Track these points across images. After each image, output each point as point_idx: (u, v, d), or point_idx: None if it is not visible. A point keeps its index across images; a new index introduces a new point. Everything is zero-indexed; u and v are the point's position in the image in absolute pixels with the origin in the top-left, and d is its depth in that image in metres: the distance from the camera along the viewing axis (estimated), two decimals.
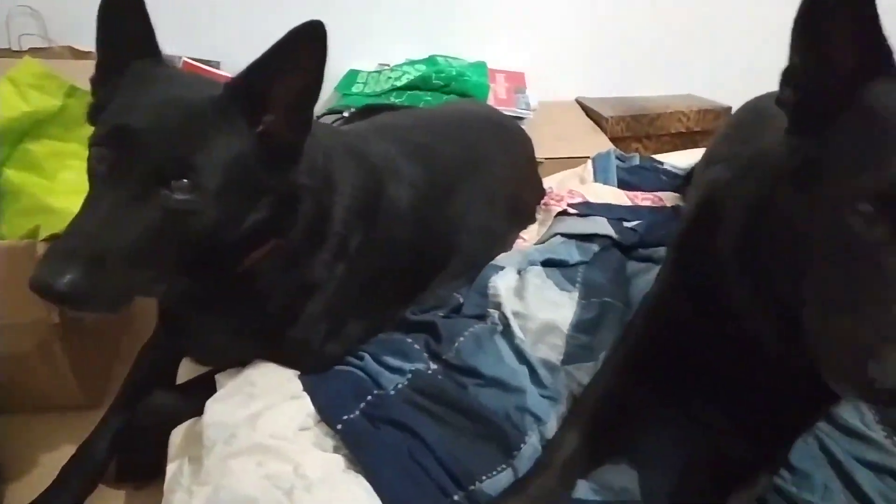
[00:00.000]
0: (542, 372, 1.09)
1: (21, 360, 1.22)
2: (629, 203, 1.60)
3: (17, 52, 2.13)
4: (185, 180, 0.82)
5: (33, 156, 1.27)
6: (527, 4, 2.54)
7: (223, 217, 0.87)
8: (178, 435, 1.04)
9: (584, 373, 1.10)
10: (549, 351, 1.14)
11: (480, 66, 2.27)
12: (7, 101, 1.21)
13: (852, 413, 1.07)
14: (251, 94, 0.88)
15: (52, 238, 1.09)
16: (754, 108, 1.42)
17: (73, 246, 0.78)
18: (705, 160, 1.46)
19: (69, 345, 1.24)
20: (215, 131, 0.86)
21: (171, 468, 0.97)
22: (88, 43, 2.18)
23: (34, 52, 2.13)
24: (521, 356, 1.12)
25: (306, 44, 0.84)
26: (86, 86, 1.29)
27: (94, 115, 0.93)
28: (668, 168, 1.81)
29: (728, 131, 1.45)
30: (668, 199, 1.66)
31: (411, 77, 2.10)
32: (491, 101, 2.13)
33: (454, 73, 2.12)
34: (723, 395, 0.97)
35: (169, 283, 0.89)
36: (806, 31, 0.73)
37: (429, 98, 2.10)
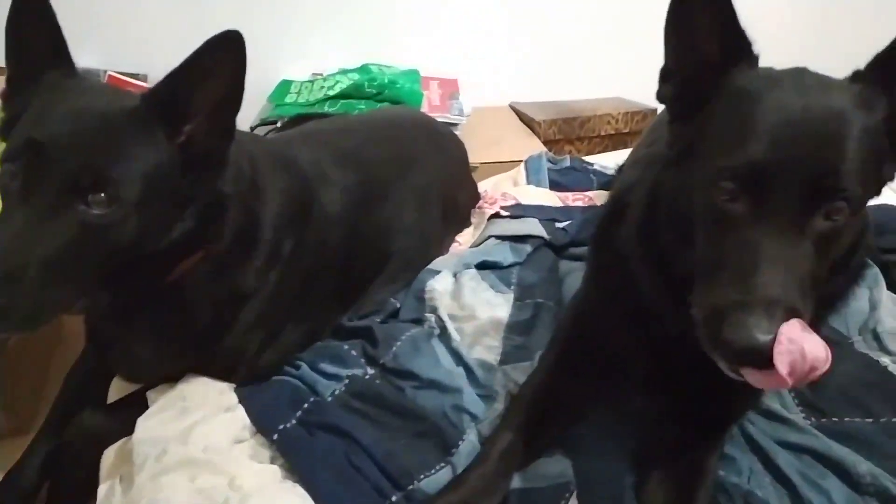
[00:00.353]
0: (479, 372, 1.11)
1: None
2: (560, 204, 1.64)
3: None
4: (101, 194, 0.81)
5: None
6: (459, 13, 2.58)
7: (145, 229, 0.86)
8: (109, 455, 1.02)
9: (520, 372, 1.12)
10: (485, 352, 1.16)
11: (413, 74, 2.29)
12: None
13: (773, 398, 1.12)
14: (170, 105, 0.87)
15: None
16: (662, 117, 1.48)
17: None
18: (625, 165, 1.52)
19: None
20: (132, 142, 0.85)
21: (102, 489, 0.95)
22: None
23: None
24: (458, 358, 1.13)
25: (223, 53, 0.84)
26: None
27: (5, 131, 0.91)
28: (598, 168, 1.86)
29: (644, 136, 1.52)
30: (599, 198, 1.71)
31: (344, 86, 2.10)
32: (425, 108, 2.16)
33: (387, 80, 2.13)
34: (653, 386, 1.00)
35: (91, 297, 0.87)
36: (675, 28, 0.81)
37: (362, 106, 2.11)
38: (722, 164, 0.73)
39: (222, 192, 0.97)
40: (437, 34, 2.61)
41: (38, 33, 0.89)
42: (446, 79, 2.43)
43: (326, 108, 2.07)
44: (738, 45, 0.80)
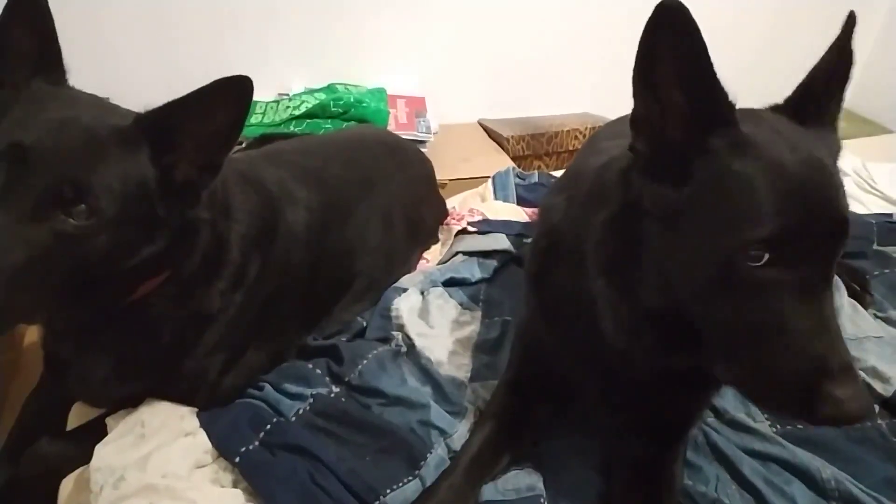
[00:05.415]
0: (449, 389, 1.10)
1: None
2: (527, 219, 1.65)
3: None
4: (82, 205, 0.80)
5: None
6: (425, 31, 2.59)
7: (116, 246, 0.85)
8: (68, 484, 0.99)
9: (488, 390, 1.12)
10: (455, 370, 1.16)
11: (379, 92, 2.29)
12: None
13: (738, 407, 1.13)
14: (161, 130, 0.87)
15: None
16: (590, 138, 1.51)
17: None
18: (549, 190, 1.45)
19: None
20: (117, 159, 0.84)
21: None
22: None
23: None
24: (427, 376, 1.13)
25: (229, 95, 0.84)
26: None
27: None
28: None
29: (573, 160, 1.51)
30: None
31: (310, 105, 2.10)
32: (391, 126, 2.16)
33: (352, 99, 2.13)
34: (606, 404, 1.00)
35: (53, 311, 0.85)
36: (641, 81, 0.74)
37: (328, 126, 2.10)
38: (746, 237, 0.69)
39: (196, 217, 0.96)
40: (403, 53, 2.61)
41: (29, 36, 0.88)
42: (413, 97, 2.44)
43: (292, 128, 2.06)
44: (713, 100, 0.73)
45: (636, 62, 0.73)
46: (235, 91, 0.85)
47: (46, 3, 0.89)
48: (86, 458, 0.99)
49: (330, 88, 2.27)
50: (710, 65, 0.71)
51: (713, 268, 0.73)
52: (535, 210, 1.70)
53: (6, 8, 0.88)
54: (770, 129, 0.75)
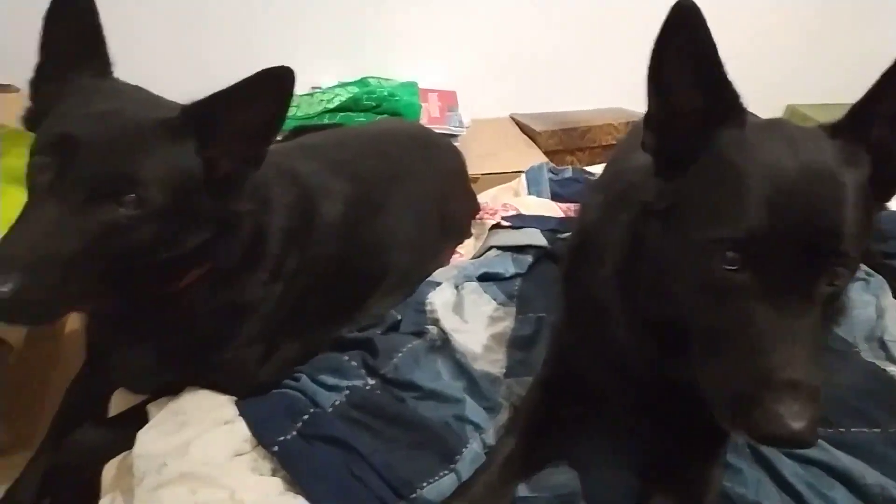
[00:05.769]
0: (484, 384, 1.10)
1: None
2: (562, 215, 1.64)
3: None
4: (132, 195, 0.82)
5: None
6: (457, 25, 2.58)
7: (162, 236, 0.87)
8: (110, 470, 1.01)
9: (522, 387, 1.12)
10: (489, 365, 1.16)
11: (411, 86, 2.29)
12: None
13: None
14: (206, 122, 0.88)
15: None
16: (630, 131, 1.48)
17: (13, 255, 0.75)
18: (590, 185, 1.49)
19: None
20: (165, 151, 0.86)
21: (102, 503, 0.94)
22: (7, 76, 2.13)
23: None
24: (461, 371, 1.13)
25: (270, 86, 0.85)
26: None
27: (32, 121, 0.91)
28: None
29: (611, 156, 1.50)
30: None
31: (343, 99, 2.11)
32: (423, 120, 2.16)
33: (385, 93, 2.14)
34: (640, 411, 0.99)
35: (99, 298, 0.86)
36: (654, 78, 0.75)
37: (361, 119, 2.11)
38: (722, 234, 0.69)
39: (239, 209, 0.97)
40: (436, 47, 2.61)
41: (77, 30, 0.90)
42: (445, 91, 2.44)
43: (326, 121, 2.07)
44: (723, 99, 0.75)
45: (651, 60, 0.75)
46: (278, 82, 0.86)
47: None
48: (127, 444, 1.01)
49: (362, 82, 2.28)
50: (721, 64, 0.72)
51: (692, 268, 0.72)
52: (569, 206, 1.70)
53: (53, 2, 0.90)
54: (782, 134, 0.74)
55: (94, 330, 1.12)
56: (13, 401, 1.27)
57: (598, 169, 1.94)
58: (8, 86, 2.11)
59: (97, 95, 0.88)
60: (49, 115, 0.87)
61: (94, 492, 1.09)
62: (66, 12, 0.89)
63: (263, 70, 0.84)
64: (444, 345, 1.18)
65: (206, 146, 0.89)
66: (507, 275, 1.37)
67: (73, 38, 0.90)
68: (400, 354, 1.14)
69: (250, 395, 1.08)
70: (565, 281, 1.05)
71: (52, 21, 0.89)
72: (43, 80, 0.92)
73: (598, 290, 0.91)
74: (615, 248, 0.88)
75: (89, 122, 0.83)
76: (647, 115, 0.79)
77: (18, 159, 1.26)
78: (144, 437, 0.95)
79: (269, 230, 1.06)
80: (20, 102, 1.84)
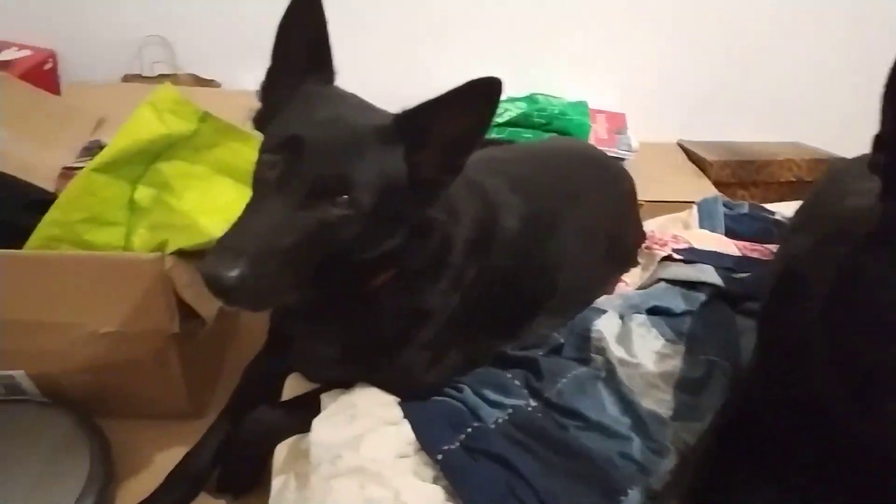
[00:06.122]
0: (651, 425, 1.06)
1: (139, 367, 1.28)
2: (738, 253, 1.55)
3: (148, 77, 2.31)
4: (345, 196, 0.86)
5: (164, 175, 1.35)
6: (627, 45, 2.54)
7: (365, 237, 0.91)
8: (282, 451, 1.07)
9: (690, 433, 1.06)
10: (656, 405, 1.11)
11: (581, 106, 2.28)
12: (147, 124, 1.29)
13: None
14: (415, 130, 0.92)
15: (179, 253, 1.16)
16: (834, 174, 1.37)
17: (241, 244, 0.81)
18: (788, 229, 1.40)
19: (183, 355, 1.30)
20: (378, 156, 0.90)
21: (277, 482, 1.00)
22: (210, 72, 2.35)
23: (162, 77, 2.30)
24: (627, 406, 1.10)
25: (479, 96, 0.86)
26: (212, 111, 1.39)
27: (260, 122, 1.00)
28: (780, 218, 1.73)
29: (809, 199, 1.40)
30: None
31: (513, 114, 2.13)
32: (591, 142, 2.13)
33: (556, 111, 2.14)
34: (832, 482, 0.90)
35: (303, 291, 0.91)
36: (891, 96, 0.72)
37: (529, 135, 2.12)
38: None
39: (432, 217, 1.01)
40: (604, 67, 2.58)
41: (307, 37, 0.96)
42: (613, 112, 2.40)
43: (493, 135, 2.10)
44: None
45: (889, 77, 0.71)
46: (486, 92, 0.86)
47: (322, 7, 0.96)
48: (299, 428, 1.07)
49: (531, 98, 2.29)
50: None
51: None
52: (746, 244, 1.60)
53: (287, 12, 0.96)
54: None
55: (280, 317, 1.19)
56: (196, 372, 1.38)
57: (778, 207, 1.83)
58: (211, 81, 2.33)
59: (321, 101, 0.95)
60: (277, 117, 0.94)
61: (264, 467, 1.17)
62: (299, 22, 0.96)
63: (473, 80, 0.85)
64: (609, 376, 1.15)
65: (414, 153, 0.93)
66: (678, 311, 1.32)
67: (303, 46, 0.97)
68: (564, 380, 1.12)
69: (413, 398, 1.11)
70: (763, 322, 0.99)
71: (286, 29, 0.96)
72: (273, 85, 0.99)
73: (802, 332, 0.84)
74: (826, 285, 0.81)
75: (315, 126, 0.89)
76: (879, 135, 0.76)
77: (229, 153, 1.38)
78: (320, 427, 1.00)
79: (454, 240, 1.08)
80: (222, 97, 2.02)
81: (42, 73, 2.17)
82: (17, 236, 1.26)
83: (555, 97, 2.38)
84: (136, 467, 1.27)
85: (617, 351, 1.20)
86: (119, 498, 1.20)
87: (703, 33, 2.54)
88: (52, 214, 1.23)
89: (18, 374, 1.28)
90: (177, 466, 1.19)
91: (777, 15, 2.50)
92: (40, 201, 1.37)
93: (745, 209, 1.76)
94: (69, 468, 1.15)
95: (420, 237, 1.01)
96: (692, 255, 1.47)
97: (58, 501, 1.08)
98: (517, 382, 1.14)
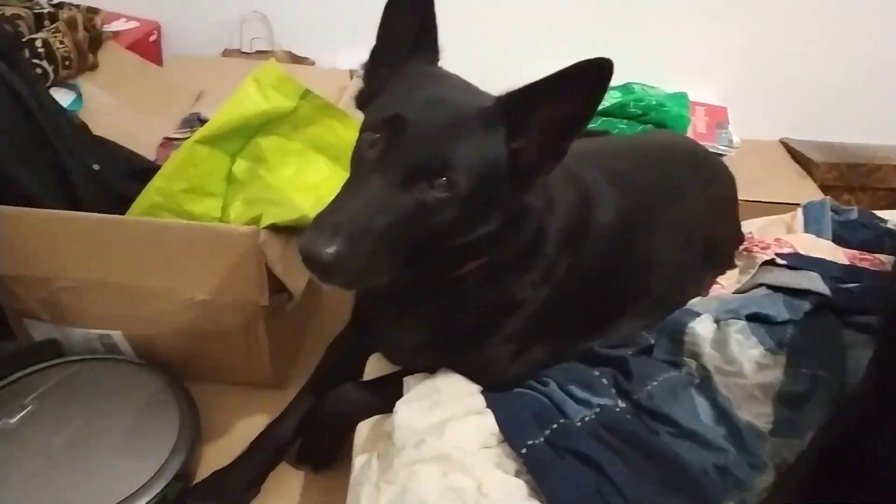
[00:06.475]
0: (749, 437, 1.00)
1: (227, 336, 1.32)
2: (846, 261, 1.45)
3: (246, 53, 2.36)
4: (444, 178, 0.85)
5: (261, 150, 1.37)
6: (731, 37, 2.41)
7: (460, 221, 0.89)
8: (363, 430, 1.08)
9: (788, 449, 1.00)
10: (754, 417, 1.05)
11: (681, 97, 2.18)
12: (249, 98, 1.31)
13: None
14: (518, 113, 0.89)
15: (271, 227, 1.18)
16: None
17: (339, 221, 0.81)
18: None
19: (270, 327, 1.33)
20: (479, 138, 0.88)
21: (359, 461, 1.00)
22: (306, 50, 2.38)
23: (259, 54, 2.35)
24: (722, 415, 1.04)
25: (589, 78, 0.82)
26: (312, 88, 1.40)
27: (363, 101, 0.98)
28: (892, 227, 1.61)
29: None
30: (892, 263, 1.48)
31: (607, 104, 2.06)
32: (689, 135, 2.04)
33: (653, 102, 2.06)
34: None
35: (393, 274, 0.90)
36: None
37: (623, 126, 2.05)
38: None
39: (529, 204, 0.98)
40: (705, 58, 2.47)
41: (414, 18, 0.95)
42: (714, 106, 2.29)
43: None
44: None
45: None
46: (596, 73, 0.81)
47: None
48: (382, 408, 1.07)
49: (627, 88, 2.21)
50: None
51: None
52: (855, 253, 1.50)
53: None
54: None
55: (365, 298, 1.20)
56: (280, 343, 1.41)
57: (889, 215, 1.71)
58: (305, 58, 2.36)
59: (425, 81, 0.93)
60: (380, 96, 0.93)
61: (343, 444, 1.19)
62: (407, 1, 0.94)
63: (583, 61, 0.80)
64: (703, 383, 1.10)
65: (515, 137, 0.90)
66: (779, 319, 1.24)
67: (409, 26, 0.95)
68: (655, 383, 1.08)
69: (495, 389, 1.09)
70: (884, 339, 0.92)
71: (393, 8, 0.94)
72: (377, 65, 0.98)
73: None
74: None
75: (417, 105, 0.87)
76: None
77: (325, 131, 1.39)
78: (404, 410, 1.00)
79: (548, 231, 1.05)
80: (316, 75, 2.04)
81: (147, 45, 2.25)
82: (121, 203, 1.31)
83: (651, 87, 2.29)
84: (219, 430, 1.31)
85: (712, 357, 1.14)
86: (206, 458, 1.24)
87: (813, 22, 2.38)
88: (156, 183, 1.27)
89: (116, 335, 1.34)
90: (260, 435, 1.22)
91: None
92: (144, 169, 1.43)
93: (855, 215, 1.64)
94: (160, 426, 1.20)
95: (515, 225, 0.98)
96: (797, 261, 1.38)
97: (149, 457, 1.12)
98: (605, 381, 1.10)
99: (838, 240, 1.56)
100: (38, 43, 1.54)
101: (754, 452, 0.98)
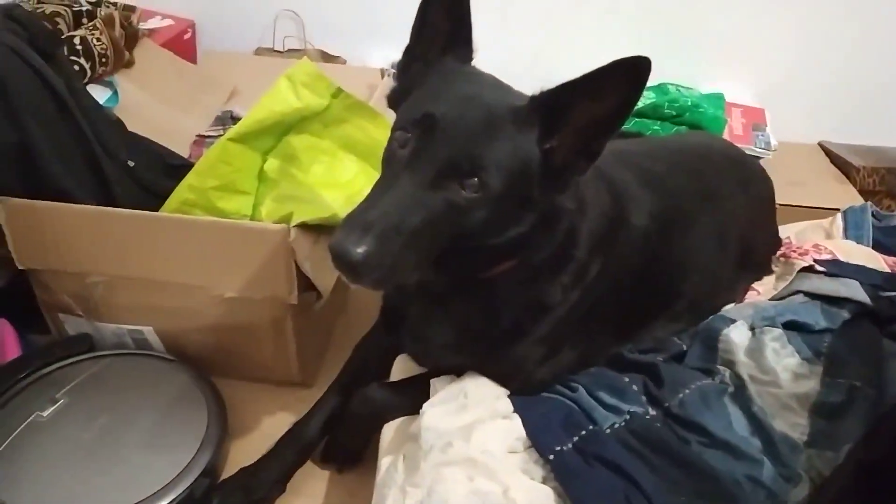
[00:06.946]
0: (783, 449, 0.98)
1: (255, 332, 1.33)
2: (887, 269, 1.41)
3: (278, 51, 2.38)
4: (475, 178, 0.84)
5: (293, 148, 1.37)
6: (768, 32, 2.35)
7: (491, 222, 0.88)
8: (389, 431, 1.08)
9: (823, 462, 0.98)
10: (789, 428, 1.03)
11: (717, 98, 2.14)
12: (282, 96, 1.32)
13: None
14: (552, 112, 0.87)
15: (301, 225, 1.18)
16: None
17: (370, 220, 0.80)
18: None
19: (298, 325, 1.33)
20: (511, 138, 0.86)
21: (384, 462, 1.00)
22: (338, 48, 2.38)
23: (292, 52, 2.36)
24: (757, 426, 1.02)
25: (626, 78, 0.81)
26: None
27: (395, 100, 0.98)
28: None
29: None
30: None
31: (641, 104, 2.02)
32: (725, 137, 2.00)
33: (689, 103, 2.01)
34: None
35: (423, 274, 0.89)
36: None
37: (657, 127, 2.02)
38: None
39: (561, 206, 0.96)
40: (742, 58, 2.41)
41: (448, 16, 0.94)
42: (751, 107, 2.24)
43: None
44: None
45: None
46: (633, 72, 0.80)
47: None
48: (409, 409, 1.07)
49: (661, 89, 2.17)
50: None
51: None
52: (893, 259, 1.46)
53: None
54: None
55: (394, 297, 1.19)
56: (308, 342, 1.41)
57: None
58: (337, 57, 2.36)
59: (458, 80, 0.92)
60: (413, 95, 0.93)
61: (369, 444, 1.18)
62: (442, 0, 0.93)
63: (620, 59, 0.79)
64: (737, 392, 1.08)
65: (549, 137, 0.88)
66: (817, 328, 1.20)
67: (443, 23, 0.94)
68: (687, 391, 1.06)
69: (523, 392, 1.08)
70: None
71: (428, 6, 0.93)
72: (410, 63, 0.97)
73: None
74: None
75: (450, 104, 0.86)
76: None
77: (356, 130, 1.39)
78: (431, 412, 0.99)
79: (579, 233, 1.03)
80: (348, 73, 2.04)
81: (181, 42, 2.26)
82: (154, 199, 1.32)
83: (686, 88, 2.24)
84: (246, 428, 1.32)
85: (747, 365, 1.11)
86: (233, 454, 1.25)
87: (854, 22, 2.31)
88: (189, 180, 1.28)
89: (147, 330, 1.35)
90: (286, 434, 1.22)
91: None
92: (178, 166, 1.44)
93: None
94: (188, 422, 1.20)
95: (546, 227, 0.96)
96: (836, 268, 1.34)
97: (177, 452, 1.13)
98: (635, 387, 1.08)
99: (879, 246, 1.52)
100: (77, 40, 1.56)
101: (788, 464, 0.96)
